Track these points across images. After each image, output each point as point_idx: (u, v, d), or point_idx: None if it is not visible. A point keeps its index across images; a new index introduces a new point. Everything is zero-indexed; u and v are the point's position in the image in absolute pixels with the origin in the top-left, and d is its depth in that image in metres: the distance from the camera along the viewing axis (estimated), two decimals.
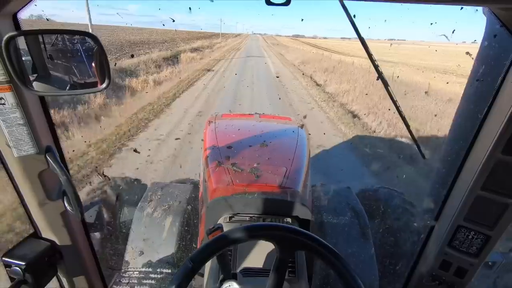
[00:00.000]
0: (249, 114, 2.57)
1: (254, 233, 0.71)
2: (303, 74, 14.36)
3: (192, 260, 0.65)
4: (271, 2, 0.57)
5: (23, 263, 0.87)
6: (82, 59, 0.85)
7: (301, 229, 0.72)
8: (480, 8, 0.94)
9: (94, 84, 0.82)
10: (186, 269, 0.64)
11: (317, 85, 11.56)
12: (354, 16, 0.73)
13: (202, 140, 1.91)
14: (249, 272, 0.91)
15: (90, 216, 2.00)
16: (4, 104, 0.70)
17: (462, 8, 0.69)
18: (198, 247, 1.50)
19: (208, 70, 14.26)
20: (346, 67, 14.73)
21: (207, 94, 8.99)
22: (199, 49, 24.72)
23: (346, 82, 10.85)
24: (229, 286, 0.77)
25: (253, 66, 17.28)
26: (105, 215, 2.09)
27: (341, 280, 0.70)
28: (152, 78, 10.40)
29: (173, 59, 16.55)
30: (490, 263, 1.23)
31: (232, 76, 12.84)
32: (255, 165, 1.48)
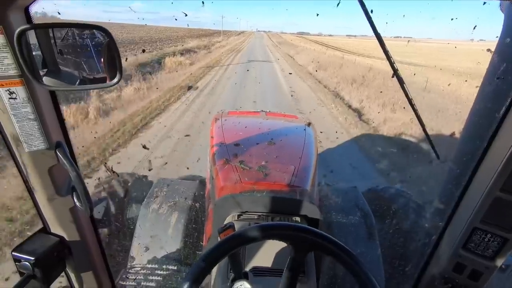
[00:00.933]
0: (255, 111, 2.55)
1: (269, 232, 0.70)
2: (330, 91, 9.66)
3: (205, 259, 0.64)
4: None
5: (32, 258, 0.87)
6: (91, 54, 0.84)
7: (317, 230, 0.71)
8: (497, 4, 0.91)
9: (103, 80, 0.81)
10: (198, 269, 0.63)
11: (360, 118, 6.61)
12: (372, 11, 0.70)
13: (212, 137, 1.90)
14: (260, 272, 0.90)
15: (98, 212, 2.01)
16: (15, 98, 0.69)
17: (484, 3, 0.66)
18: (204, 244, 1.49)
19: (189, 88, 8.95)
20: (383, 80, 9.86)
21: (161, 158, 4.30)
22: (193, 50, 20.10)
23: (393, 105, 6.79)
24: (241, 285, 0.76)
25: (257, 77, 12.21)
26: (113, 211, 2.10)
27: (358, 281, 0.68)
28: (98, 103, 6.22)
29: (154, 65, 12.39)
30: (503, 266, 1.20)
31: (221, 102, 7.65)
32: (263, 163, 1.47)
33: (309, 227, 0.72)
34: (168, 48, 19.62)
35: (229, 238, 0.67)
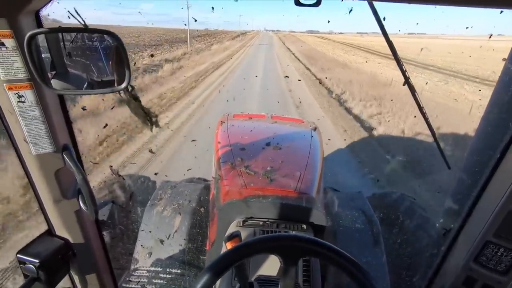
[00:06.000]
0: (261, 114, 2.54)
1: (252, 249, 0.69)
2: None
3: (210, 269, 0.63)
4: (300, 3, 0.55)
5: (37, 261, 0.87)
6: (100, 57, 0.84)
7: (302, 235, 0.70)
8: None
9: (111, 83, 0.81)
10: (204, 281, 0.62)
11: None
12: (384, 18, 0.69)
13: (217, 141, 1.89)
14: (265, 281, 0.88)
15: (103, 215, 2.02)
16: (24, 102, 0.70)
17: (502, 12, 0.64)
18: (208, 249, 1.48)
19: None
20: None
21: None
22: None
23: None
24: None
25: None
26: (118, 214, 2.11)
27: (353, 280, 0.67)
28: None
29: None
30: None
31: None
32: (268, 168, 1.45)
33: (294, 234, 0.71)
34: None
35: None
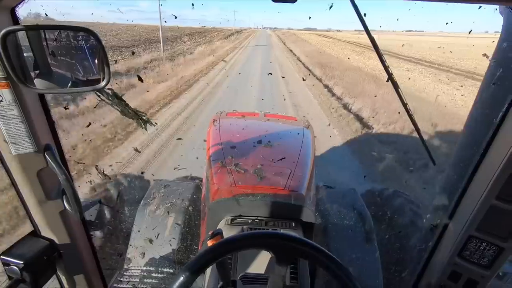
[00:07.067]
0: (254, 112, 2.54)
1: (247, 242, 0.69)
2: None
3: (186, 271, 0.63)
4: None
5: (21, 262, 0.86)
6: (83, 56, 0.83)
7: (298, 236, 0.70)
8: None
9: (95, 82, 0.80)
10: (179, 282, 0.62)
11: None
12: (365, 14, 0.69)
13: (209, 139, 1.89)
14: (249, 279, 0.88)
15: (90, 215, 2.01)
16: (1, 101, 0.68)
17: (480, 7, 0.65)
18: (199, 248, 1.48)
19: None
20: None
21: None
22: None
23: None
24: None
25: None
26: (106, 214, 2.09)
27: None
28: None
29: None
30: (500, 273, 1.19)
31: None
32: (258, 166, 1.45)
33: (290, 233, 0.71)
34: None
35: (202, 254, 0.66)
